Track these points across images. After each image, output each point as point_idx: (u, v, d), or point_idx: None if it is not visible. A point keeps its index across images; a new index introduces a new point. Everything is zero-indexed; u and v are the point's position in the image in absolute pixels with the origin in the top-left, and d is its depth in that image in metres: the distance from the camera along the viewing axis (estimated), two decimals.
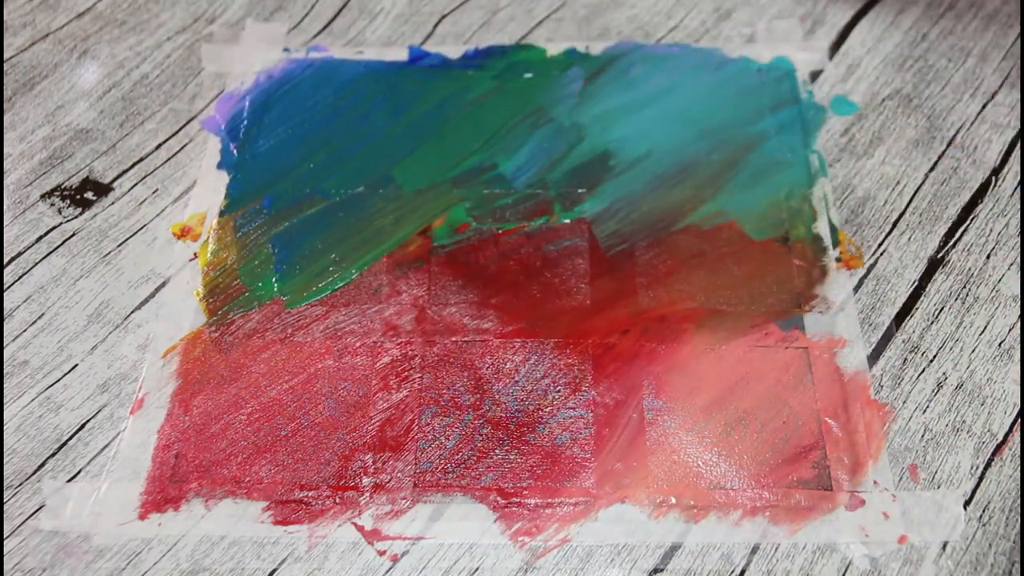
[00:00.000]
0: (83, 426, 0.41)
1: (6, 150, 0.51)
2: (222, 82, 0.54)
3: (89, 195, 0.49)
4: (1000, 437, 0.41)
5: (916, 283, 0.45)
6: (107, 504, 0.39)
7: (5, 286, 0.46)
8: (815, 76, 0.54)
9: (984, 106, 0.52)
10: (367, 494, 0.39)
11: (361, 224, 0.48)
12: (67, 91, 0.54)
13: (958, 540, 0.38)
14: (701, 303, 0.44)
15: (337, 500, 0.39)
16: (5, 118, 0.52)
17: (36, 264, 0.47)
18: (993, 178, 0.49)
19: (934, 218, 0.48)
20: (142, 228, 0.48)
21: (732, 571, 0.37)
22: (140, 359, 0.43)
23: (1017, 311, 0.44)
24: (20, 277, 0.46)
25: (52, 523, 0.39)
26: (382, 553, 0.38)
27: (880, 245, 0.47)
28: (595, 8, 0.58)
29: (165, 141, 0.52)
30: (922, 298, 0.45)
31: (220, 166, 0.50)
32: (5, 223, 0.48)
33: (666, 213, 0.48)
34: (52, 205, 0.49)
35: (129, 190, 0.49)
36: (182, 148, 0.51)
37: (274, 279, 0.46)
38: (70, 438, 0.41)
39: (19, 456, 0.41)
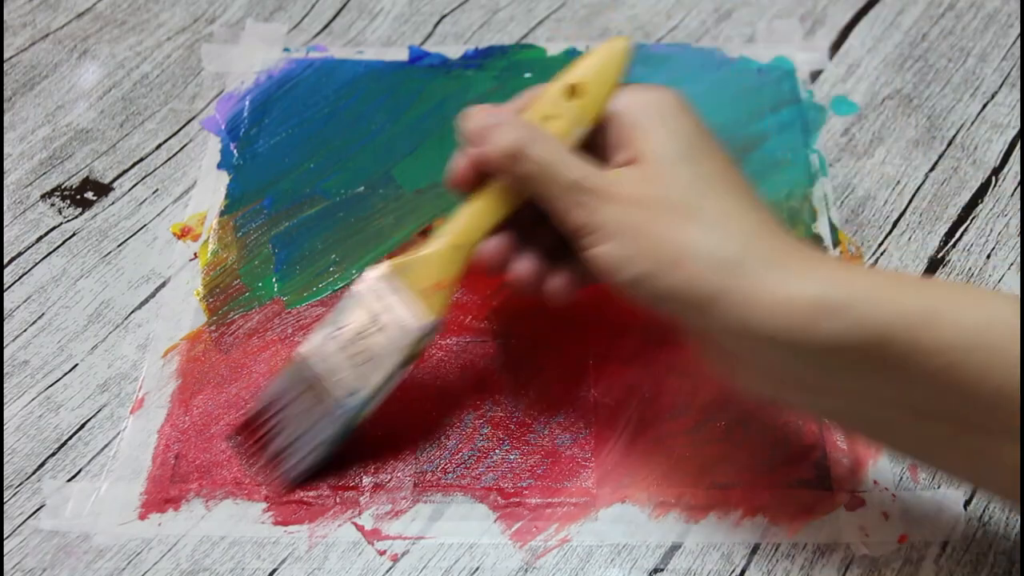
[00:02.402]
0: (83, 426, 0.41)
1: (6, 150, 0.51)
2: (222, 82, 0.54)
3: (89, 195, 0.49)
4: None
5: None
6: (107, 504, 0.39)
7: (5, 286, 0.46)
8: (815, 76, 0.54)
9: (984, 106, 0.52)
10: (367, 494, 0.39)
11: (361, 224, 0.48)
12: (67, 91, 0.54)
13: (958, 540, 0.38)
14: None
15: (337, 500, 0.39)
16: (5, 118, 0.52)
17: (36, 264, 0.47)
18: (993, 178, 0.49)
19: (934, 218, 0.48)
20: (142, 228, 0.48)
21: (732, 571, 0.37)
22: (140, 359, 0.43)
23: None
24: (20, 277, 0.46)
25: (52, 523, 0.39)
26: (382, 553, 0.38)
27: (880, 245, 0.47)
28: (595, 8, 0.58)
29: (165, 141, 0.52)
30: None
31: (220, 166, 0.50)
32: (5, 223, 0.48)
33: None
34: (52, 205, 0.49)
35: (129, 190, 0.50)
36: (182, 148, 0.51)
37: (274, 279, 0.46)
38: (70, 438, 0.41)
39: (19, 456, 0.41)
